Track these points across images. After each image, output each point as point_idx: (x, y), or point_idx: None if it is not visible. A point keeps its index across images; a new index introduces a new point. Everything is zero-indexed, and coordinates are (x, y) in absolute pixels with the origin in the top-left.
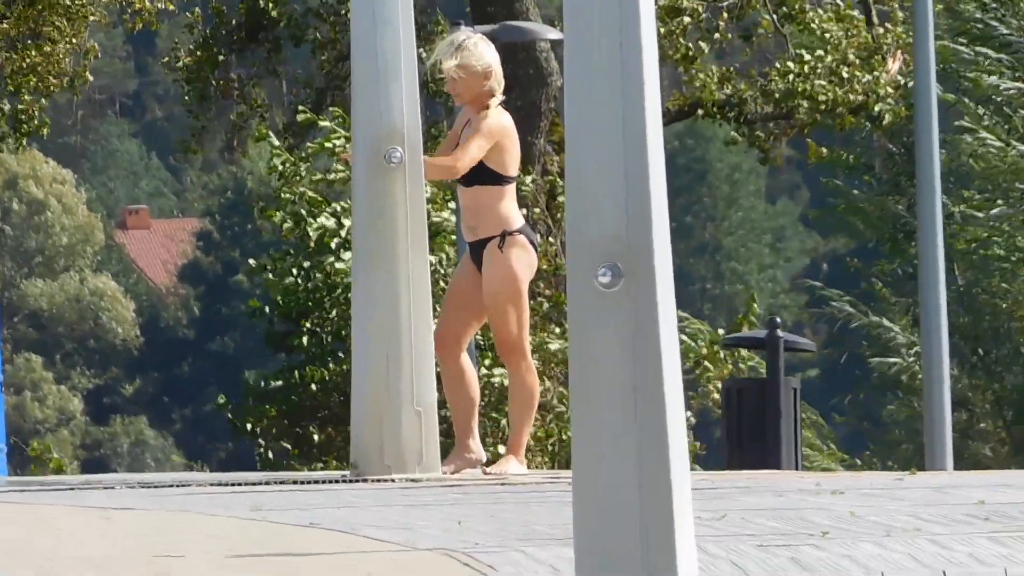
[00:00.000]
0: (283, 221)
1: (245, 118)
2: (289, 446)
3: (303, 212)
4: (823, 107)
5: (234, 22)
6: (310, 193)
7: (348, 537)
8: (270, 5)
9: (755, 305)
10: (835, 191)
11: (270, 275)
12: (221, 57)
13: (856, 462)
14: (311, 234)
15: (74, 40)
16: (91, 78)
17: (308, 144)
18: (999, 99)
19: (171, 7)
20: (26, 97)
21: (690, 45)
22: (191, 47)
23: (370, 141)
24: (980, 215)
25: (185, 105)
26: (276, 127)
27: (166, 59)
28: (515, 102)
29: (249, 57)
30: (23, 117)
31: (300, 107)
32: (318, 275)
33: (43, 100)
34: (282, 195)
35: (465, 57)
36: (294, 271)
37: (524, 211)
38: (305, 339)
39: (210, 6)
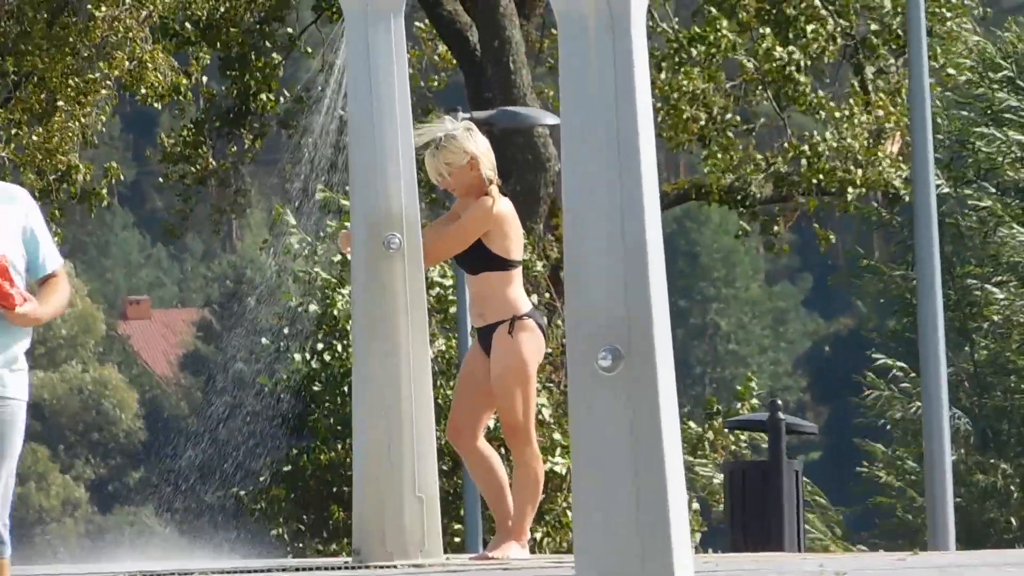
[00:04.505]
0: (300, 303)
1: (233, 201)
2: (302, 527)
3: (324, 293)
4: (829, 186)
5: (222, 106)
6: (323, 275)
7: None
8: (260, 89)
9: (751, 384)
10: (853, 255)
11: (296, 357)
12: (204, 140)
13: (861, 548)
14: (337, 315)
15: (83, 119)
16: (107, 197)
17: (328, 224)
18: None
19: (183, 81)
20: (30, 175)
21: (730, 134)
22: (180, 131)
23: (369, 226)
24: (999, 293)
25: (163, 186)
26: (271, 210)
27: (160, 143)
28: (514, 187)
29: (233, 143)
30: None
31: (320, 187)
32: (327, 356)
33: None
34: (298, 274)
35: (445, 155)
36: (306, 352)
37: (535, 296)
38: (322, 420)
39: (200, 90)
